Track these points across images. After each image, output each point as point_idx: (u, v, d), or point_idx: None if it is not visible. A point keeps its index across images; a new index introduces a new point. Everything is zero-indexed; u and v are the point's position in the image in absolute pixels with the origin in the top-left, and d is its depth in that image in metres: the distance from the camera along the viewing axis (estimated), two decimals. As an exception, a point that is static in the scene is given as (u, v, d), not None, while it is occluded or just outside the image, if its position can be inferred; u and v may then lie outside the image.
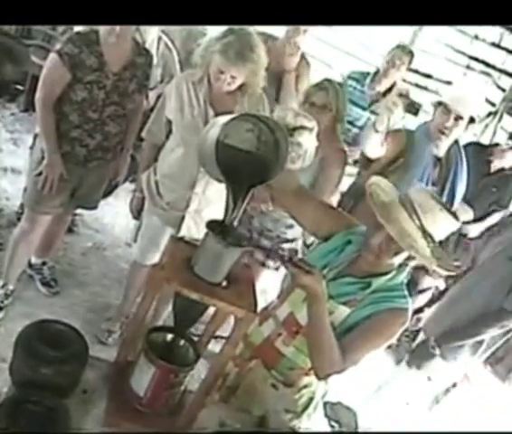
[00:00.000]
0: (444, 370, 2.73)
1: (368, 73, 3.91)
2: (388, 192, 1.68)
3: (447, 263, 1.57)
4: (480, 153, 3.35)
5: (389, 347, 3.18)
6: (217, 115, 2.24)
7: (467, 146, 3.41)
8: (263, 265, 2.88)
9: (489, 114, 6.19)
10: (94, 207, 2.94)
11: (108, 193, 3.10)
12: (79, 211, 3.74)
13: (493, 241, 2.75)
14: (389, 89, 3.76)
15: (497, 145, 3.58)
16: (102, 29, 2.34)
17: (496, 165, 3.32)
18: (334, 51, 5.57)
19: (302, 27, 3.29)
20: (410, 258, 1.68)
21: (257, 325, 1.93)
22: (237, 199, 1.43)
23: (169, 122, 2.51)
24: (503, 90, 6.24)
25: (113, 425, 1.60)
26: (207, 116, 2.39)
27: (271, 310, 1.93)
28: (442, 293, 3.20)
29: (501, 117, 6.14)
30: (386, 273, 1.72)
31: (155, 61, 2.82)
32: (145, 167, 2.66)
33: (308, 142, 1.94)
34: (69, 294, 3.18)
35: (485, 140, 6.02)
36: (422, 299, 3.33)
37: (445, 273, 1.62)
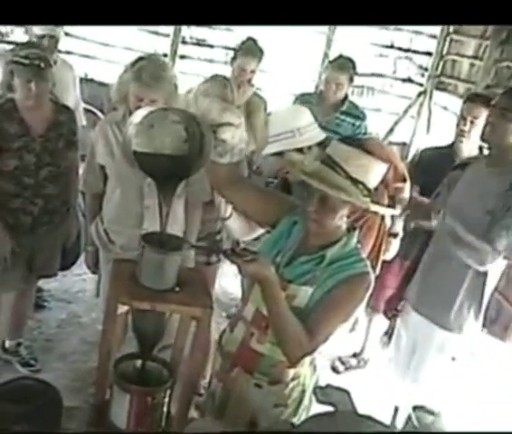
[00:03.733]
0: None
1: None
2: (307, 163, 1.72)
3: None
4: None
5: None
6: None
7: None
8: (208, 264, 2.90)
9: (420, 94, 6.42)
10: (55, 274, 2.92)
11: (70, 265, 3.10)
12: (46, 287, 3.74)
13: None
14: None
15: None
16: (17, 96, 2.36)
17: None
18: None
19: (249, 67, 3.41)
20: (350, 215, 1.72)
21: (229, 332, 1.93)
22: (166, 195, 1.45)
23: (102, 168, 2.52)
24: (425, 70, 6.50)
25: (103, 467, 1.58)
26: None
27: (238, 313, 1.93)
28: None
29: (431, 94, 6.37)
30: (337, 241, 1.75)
31: None
32: (91, 219, 2.65)
33: (234, 139, 1.97)
34: (51, 368, 3.12)
35: (423, 118, 6.24)
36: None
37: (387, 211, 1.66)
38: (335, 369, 3.76)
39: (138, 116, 1.49)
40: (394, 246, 3.15)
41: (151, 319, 1.50)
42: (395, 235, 3.13)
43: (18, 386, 1.60)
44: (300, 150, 2.56)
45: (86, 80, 4.85)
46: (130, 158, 1.46)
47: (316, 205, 1.67)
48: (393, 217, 3.09)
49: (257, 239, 2.65)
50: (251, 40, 3.56)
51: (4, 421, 1.49)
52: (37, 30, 3.11)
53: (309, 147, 2.58)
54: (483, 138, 2.63)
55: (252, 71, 3.64)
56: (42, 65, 2.33)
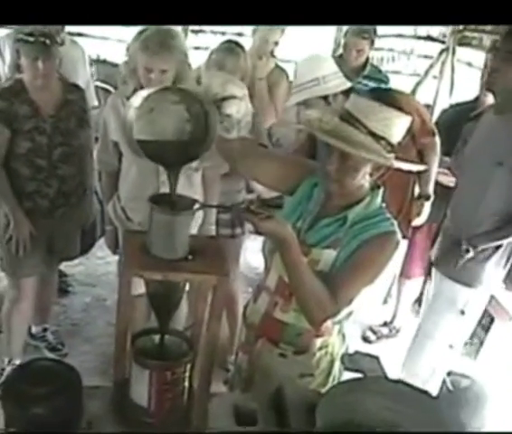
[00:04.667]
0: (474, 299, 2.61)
1: None
2: (326, 120, 1.63)
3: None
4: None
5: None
6: None
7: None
8: (232, 237, 2.85)
9: (442, 52, 6.17)
10: (76, 256, 2.90)
11: (88, 247, 3.07)
12: (70, 272, 3.75)
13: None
14: None
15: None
16: (25, 76, 2.32)
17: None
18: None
19: (272, 38, 3.32)
20: (374, 172, 1.62)
21: (252, 304, 1.88)
22: (172, 175, 1.39)
23: (116, 145, 2.46)
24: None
25: (126, 446, 1.53)
26: None
27: (261, 283, 1.86)
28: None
29: (454, 50, 6.11)
30: (360, 201, 1.66)
31: None
32: (108, 198, 2.61)
33: (239, 112, 1.89)
34: (78, 352, 3.13)
35: (446, 77, 6.00)
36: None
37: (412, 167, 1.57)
38: (366, 339, 3.69)
39: (138, 97, 1.42)
40: (426, 210, 3.02)
41: (165, 292, 1.43)
42: (427, 197, 3.00)
43: (37, 367, 1.56)
44: (326, 99, 2.47)
45: (99, 62, 4.79)
46: (133, 145, 1.39)
47: (336, 164, 1.58)
48: (423, 177, 2.95)
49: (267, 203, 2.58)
50: None
51: (23, 403, 1.45)
52: None
53: (335, 96, 2.48)
54: (487, 86, 2.50)
55: (276, 43, 3.54)
56: (48, 42, 2.28)
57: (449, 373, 1.76)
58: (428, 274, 2.86)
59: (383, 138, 1.53)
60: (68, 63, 2.97)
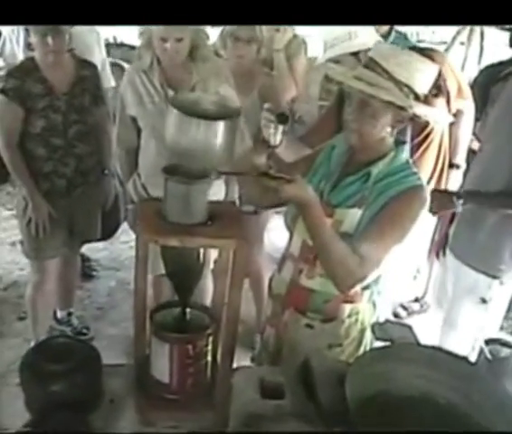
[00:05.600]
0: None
1: None
2: (351, 70, 1.54)
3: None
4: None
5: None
6: (177, 92, 2.18)
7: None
8: (255, 213, 2.78)
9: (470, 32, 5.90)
10: (99, 238, 2.86)
11: (112, 232, 3.04)
12: (94, 257, 3.73)
13: None
14: None
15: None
16: (37, 54, 2.27)
17: None
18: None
19: None
20: (395, 124, 1.52)
21: (277, 274, 1.79)
22: None
23: (134, 120, 2.40)
24: None
25: (149, 423, 1.47)
26: (167, 97, 2.28)
27: (285, 252, 1.78)
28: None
29: (482, 32, 5.83)
30: (383, 156, 1.56)
31: None
32: (128, 176, 2.55)
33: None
34: (104, 336, 3.10)
35: (475, 43, 5.74)
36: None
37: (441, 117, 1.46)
38: (397, 315, 3.57)
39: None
40: (456, 180, 2.86)
41: (183, 260, 1.36)
42: (458, 166, 2.84)
43: (54, 345, 1.52)
44: (357, 56, 2.37)
45: (116, 45, 4.74)
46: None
47: (354, 112, 1.49)
48: (455, 144, 2.78)
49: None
50: None
51: (41, 380, 1.41)
52: None
53: (366, 53, 2.39)
54: None
55: None
56: None
57: (487, 342, 1.65)
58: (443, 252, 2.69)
59: (406, 86, 1.44)
60: (83, 46, 2.94)
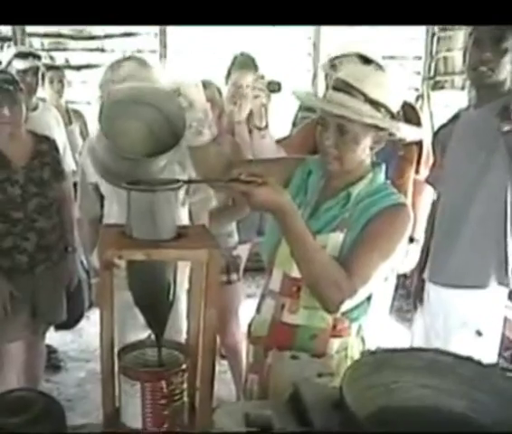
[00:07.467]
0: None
1: None
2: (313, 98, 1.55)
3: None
4: None
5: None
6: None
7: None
8: (229, 283, 2.87)
9: (417, 98, 6.24)
10: (64, 326, 2.73)
11: (77, 318, 2.93)
12: (61, 349, 3.53)
13: None
14: None
15: None
16: None
17: None
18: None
19: (244, 81, 3.19)
20: (374, 146, 1.52)
21: (256, 316, 1.70)
22: None
23: (97, 188, 2.37)
24: (418, 74, 6.33)
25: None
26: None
27: (264, 291, 1.70)
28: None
29: (429, 96, 6.18)
30: (362, 178, 1.55)
31: None
32: (92, 248, 2.45)
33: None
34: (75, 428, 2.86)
35: (425, 122, 5.99)
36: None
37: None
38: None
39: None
40: (415, 254, 2.75)
41: (152, 282, 1.26)
42: (416, 240, 2.71)
43: (11, 398, 1.38)
44: None
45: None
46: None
47: (334, 138, 1.47)
48: (414, 221, 2.70)
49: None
50: (242, 54, 3.41)
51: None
52: (18, 64, 3.09)
53: None
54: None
55: (248, 86, 3.45)
56: (11, 88, 2.25)
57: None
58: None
59: (382, 106, 1.45)
60: (43, 127, 2.93)
